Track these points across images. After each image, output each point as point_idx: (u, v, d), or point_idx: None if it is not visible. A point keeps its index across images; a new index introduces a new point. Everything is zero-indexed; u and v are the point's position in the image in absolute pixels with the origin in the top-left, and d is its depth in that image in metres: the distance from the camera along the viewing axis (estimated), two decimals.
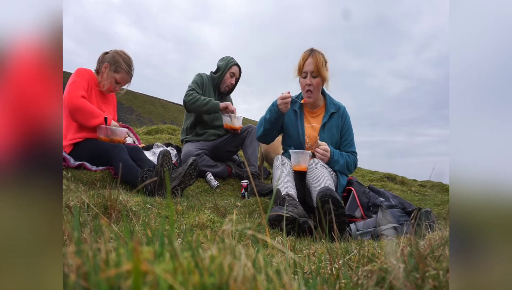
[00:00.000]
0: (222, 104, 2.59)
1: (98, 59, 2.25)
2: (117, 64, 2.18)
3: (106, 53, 2.23)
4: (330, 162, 1.98)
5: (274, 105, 1.99)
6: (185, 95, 2.67)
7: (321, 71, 2.00)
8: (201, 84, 2.77)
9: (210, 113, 2.68)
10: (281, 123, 2.14)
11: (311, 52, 2.03)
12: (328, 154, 1.95)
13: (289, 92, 1.96)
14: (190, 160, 1.98)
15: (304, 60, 2.03)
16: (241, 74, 2.89)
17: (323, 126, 2.10)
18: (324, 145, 1.97)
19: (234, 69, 2.79)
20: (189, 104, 2.63)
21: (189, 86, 2.73)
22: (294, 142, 2.14)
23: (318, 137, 2.03)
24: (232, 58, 2.82)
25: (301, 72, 2.07)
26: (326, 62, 2.05)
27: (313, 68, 2.00)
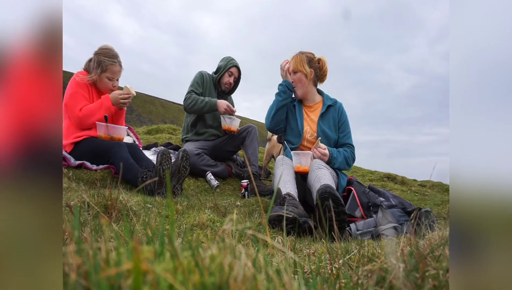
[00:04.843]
0: (220, 106, 2.64)
1: (85, 68, 2.25)
2: (101, 64, 2.18)
3: (90, 60, 2.23)
4: (330, 161, 2.04)
5: (282, 83, 2.24)
6: (184, 99, 2.75)
7: (299, 68, 2.21)
8: (201, 82, 2.83)
9: (209, 112, 2.74)
10: (286, 110, 2.30)
11: (294, 55, 2.28)
12: (326, 157, 2.03)
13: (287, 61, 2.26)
14: (180, 154, 2.02)
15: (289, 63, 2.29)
16: (241, 75, 2.97)
17: (321, 116, 2.23)
18: (323, 149, 2.03)
19: (233, 70, 2.87)
20: (188, 108, 2.72)
21: (189, 88, 2.79)
22: (294, 133, 2.25)
23: (319, 138, 2.06)
24: (232, 60, 2.89)
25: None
26: (311, 59, 2.24)
27: (293, 67, 2.24)
